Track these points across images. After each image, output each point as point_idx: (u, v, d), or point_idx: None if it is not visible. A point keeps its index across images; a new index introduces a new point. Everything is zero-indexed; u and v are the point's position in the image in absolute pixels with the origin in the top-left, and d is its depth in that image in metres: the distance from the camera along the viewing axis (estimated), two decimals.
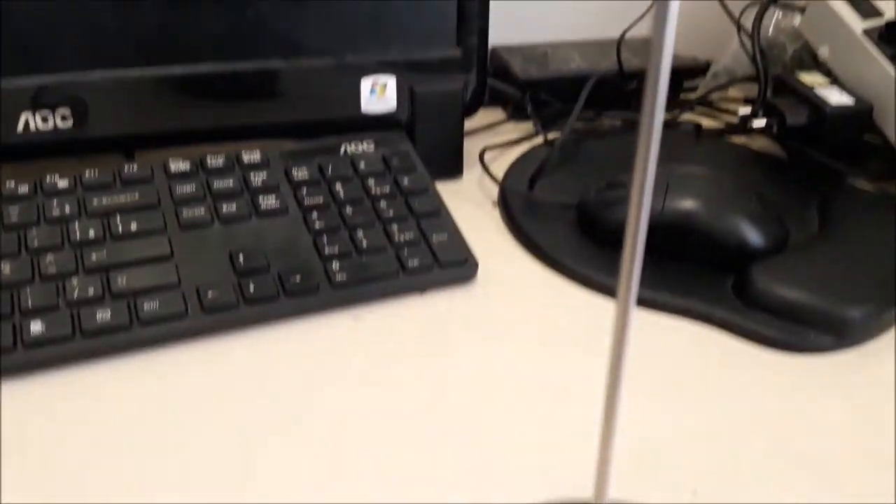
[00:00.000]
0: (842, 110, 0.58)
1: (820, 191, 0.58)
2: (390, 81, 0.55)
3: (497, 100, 0.69)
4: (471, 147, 0.62)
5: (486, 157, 0.61)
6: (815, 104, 0.58)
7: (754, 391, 0.44)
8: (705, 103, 0.71)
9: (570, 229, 0.54)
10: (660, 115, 0.20)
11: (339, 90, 0.55)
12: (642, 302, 0.48)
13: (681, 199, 0.50)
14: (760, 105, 0.60)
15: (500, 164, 0.62)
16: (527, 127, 0.67)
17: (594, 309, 0.49)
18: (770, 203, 0.52)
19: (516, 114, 0.69)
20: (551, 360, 0.45)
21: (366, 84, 0.55)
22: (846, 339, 0.46)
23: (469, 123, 0.64)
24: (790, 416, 0.42)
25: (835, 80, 0.61)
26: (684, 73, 0.73)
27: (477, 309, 0.49)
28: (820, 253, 0.51)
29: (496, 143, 0.64)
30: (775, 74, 0.63)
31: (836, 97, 0.59)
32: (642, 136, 0.20)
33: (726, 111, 0.70)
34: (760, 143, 0.66)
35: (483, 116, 0.69)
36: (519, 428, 0.41)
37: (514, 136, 0.66)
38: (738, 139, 0.66)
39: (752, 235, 0.50)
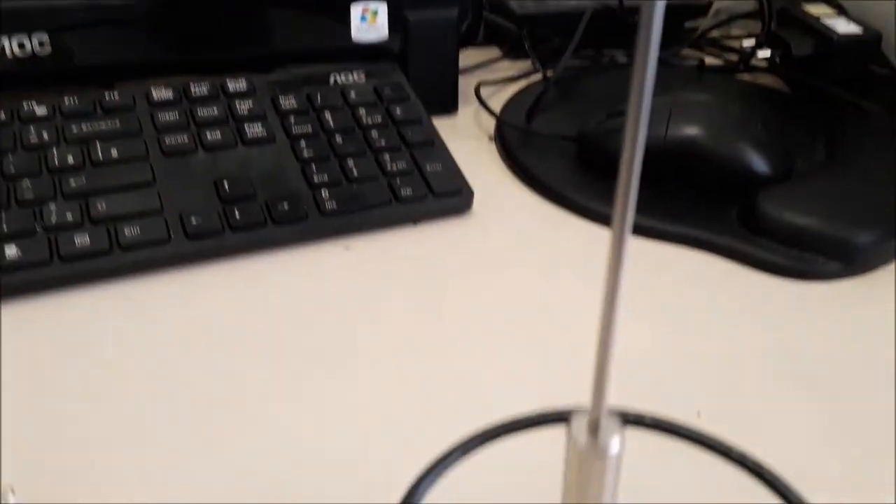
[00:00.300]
0: (849, 39, 0.56)
1: (826, 122, 0.56)
2: (381, 8, 0.53)
3: (494, 38, 0.67)
4: (466, 85, 0.60)
5: (483, 93, 0.59)
6: (821, 34, 0.56)
7: (760, 317, 0.42)
8: (708, 42, 0.69)
9: (568, 162, 0.52)
10: (658, 26, 0.17)
11: (329, 17, 0.53)
12: (646, 231, 0.46)
13: (684, 126, 0.48)
14: (765, 36, 0.58)
15: (497, 100, 0.60)
16: (524, 65, 0.65)
17: (593, 239, 0.47)
18: (775, 131, 0.50)
19: (514, 52, 0.67)
20: (550, 288, 0.43)
21: (356, 10, 0.53)
22: (854, 266, 0.44)
23: (465, 60, 0.62)
24: (796, 341, 0.41)
25: (841, 11, 0.59)
26: (685, 13, 0.71)
27: (472, 239, 0.47)
28: (827, 180, 0.49)
29: (493, 79, 0.62)
30: (779, 6, 0.61)
31: (844, 26, 0.57)
32: (640, 46, 0.18)
33: (730, 49, 0.68)
34: (765, 81, 0.64)
35: (479, 54, 0.67)
36: (517, 353, 0.39)
37: (511, 73, 0.64)
38: (743, 77, 0.64)
39: (758, 162, 0.48)
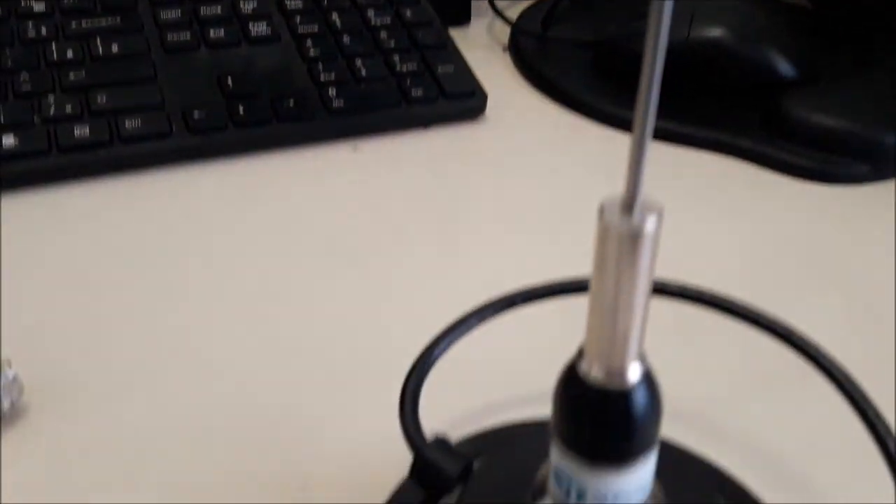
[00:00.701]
0: None
1: (852, 31, 0.54)
2: None
3: None
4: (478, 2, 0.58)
5: (498, 4, 0.57)
6: None
7: (785, 221, 0.40)
8: None
9: (585, 69, 0.50)
10: None
11: None
12: (667, 135, 0.45)
13: (707, 27, 0.46)
14: None
15: (512, 13, 0.58)
16: None
17: (612, 144, 0.45)
18: (800, 35, 0.48)
19: None
20: (566, 191, 0.42)
21: None
22: (883, 169, 0.43)
23: None
24: (822, 245, 0.39)
25: None
26: None
27: (486, 144, 0.45)
28: (855, 83, 0.47)
29: None
30: None
31: None
32: None
33: None
34: None
35: None
36: (532, 251, 0.38)
37: None
38: None
39: (783, 64, 0.46)
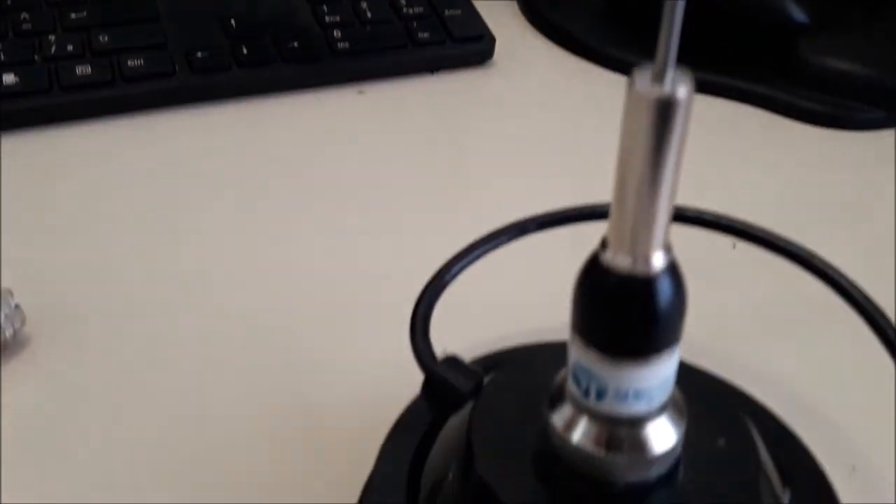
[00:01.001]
0: None
1: None
2: None
3: None
4: None
5: None
6: None
7: (798, 167, 0.40)
8: None
9: (594, 15, 0.49)
10: None
11: None
12: None
13: None
14: None
15: None
16: None
17: (620, 88, 0.44)
18: None
19: None
20: (576, 134, 0.41)
21: None
22: None
23: None
24: (838, 189, 0.38)
25: None
26: None
27: (494, 89, 0.44)
28: (869, 28, 0.46)
29: None
30: None
31: None
32: None
33: None
34: None
35: None
36: (542, 190, 0.37)
37: None
38: None
39: (796, 9, 0.45)
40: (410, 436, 0.21)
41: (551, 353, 0.21)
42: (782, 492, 0.18)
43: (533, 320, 0.29)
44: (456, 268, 0.25)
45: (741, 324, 0.30)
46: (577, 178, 0.37)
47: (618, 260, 0.15)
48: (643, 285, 0.15)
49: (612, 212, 0.15)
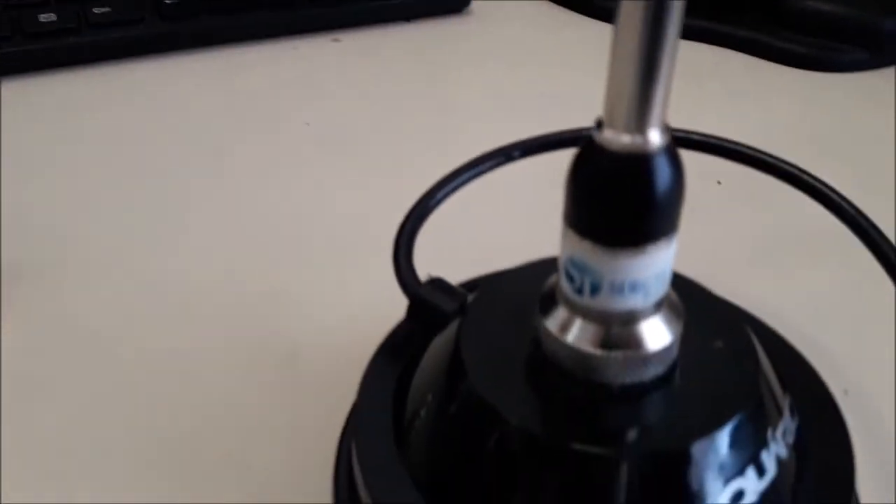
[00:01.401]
0: None
1: None
2: None
3: None
4: None
5: None
6: None
7: (782, 109, 0.39)
8: None
9: None
10: None
11: None
12: None
13: None
14: None
15: None
16: None
17: (599, 36, 0.44)
18: None
19: None
20: (556, 80, 0.40)
21: None
22: (882, 55, 0.41)
23: None
24: (824, 130, 0.38)
25: None
26: None
27: (471, 37, 0.44)
28: None
29: None
30: None
31: None
32: None
33: None
34: None
35: None
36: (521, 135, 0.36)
37: None
38: None
39: None
40: (395, 359, 0.21)
41: (536, 271, 0.20)
42: (783, 396, 0.17)
43: (517, 252, 0.29)
44: (440, 193, 0.24)
45: (730, 256, 0.30)
46: (556, 123, 0.37)
47: (614, 138, 0.14)
48: (642, 163, 0.14)
49: (609, 87, 0.14)
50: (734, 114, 0.38)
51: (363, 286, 0.27)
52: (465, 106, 0.38)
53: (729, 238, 0.31)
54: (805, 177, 0.23)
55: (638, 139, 0.14)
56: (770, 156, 0.24)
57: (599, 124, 0.15)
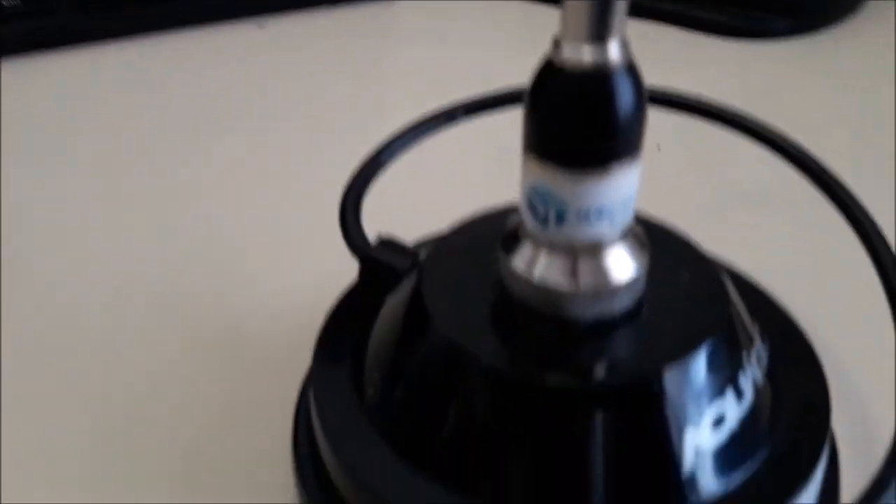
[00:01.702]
0: None
1: None
2: None
3: None
4: None
5: None
6: None
7: (708, 80, 0.39)
8: None
9: None
10: None
11: None
12: None
13: None
14: None
15: None
16: None
17: (531, 17, 0.44)
18: None
19: None
20: (487, 62, 0.39)
21: None
22: (805, 23, 0.42)
23: None
24: (753, 99, 0.38)
25: None
26: None
27: (399, 22, 0.43)
28: None
29: None
30: None
31: None
32: None
33: None
34: None
35: None
36: None
37: None
38: None
39: None
40: (348, 320, 0.20)
41: (490, 221, 0.19)
42: (752, 324, 0.17)
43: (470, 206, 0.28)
44: (384, 155, 0.23)
45: (690, 216, 0.30)
46: None
47: (573, 55, 0.14)
48: (602, 79, 0.14)
49: (564, 4, 0.14)
50: (664, 86, 0.39)
51: (309, 258, 0.26)
52: (394, 90, 0.37)
53: (684, 200, 0.31)
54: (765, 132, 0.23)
55: (596, 56, 0.14)
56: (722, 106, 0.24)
57: (556, 44, 0.14)
